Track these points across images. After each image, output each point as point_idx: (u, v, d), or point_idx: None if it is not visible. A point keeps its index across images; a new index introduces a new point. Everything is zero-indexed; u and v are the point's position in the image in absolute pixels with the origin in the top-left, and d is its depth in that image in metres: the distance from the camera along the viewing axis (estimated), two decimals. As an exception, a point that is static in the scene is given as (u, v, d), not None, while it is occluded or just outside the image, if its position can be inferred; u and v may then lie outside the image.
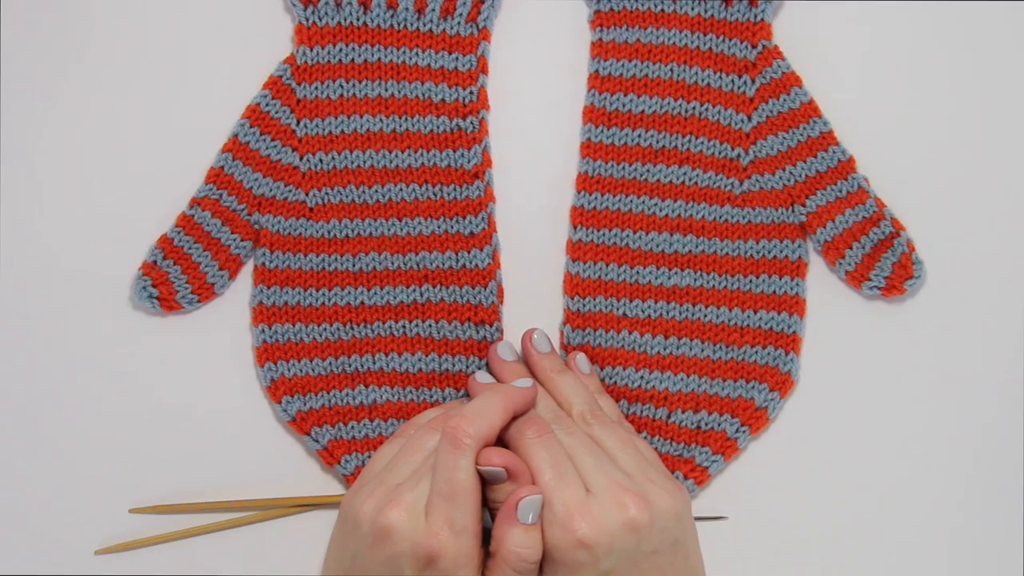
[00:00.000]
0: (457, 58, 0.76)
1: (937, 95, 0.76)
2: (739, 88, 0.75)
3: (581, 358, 0.74)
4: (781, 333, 0.74)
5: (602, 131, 0.75)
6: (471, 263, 0.74)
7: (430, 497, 0.64)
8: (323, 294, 0.74)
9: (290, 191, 0.75)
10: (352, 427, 0.73)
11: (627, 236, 0.75)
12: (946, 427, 0.74)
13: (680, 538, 0.66)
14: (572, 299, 0.75)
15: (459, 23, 0.76)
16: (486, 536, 0.66)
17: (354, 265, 0.74)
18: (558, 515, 0.64)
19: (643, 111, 0.75)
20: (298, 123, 0.75)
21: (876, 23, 0.76)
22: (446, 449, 0.65)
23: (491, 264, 0.74)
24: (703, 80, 0.75)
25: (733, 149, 0.75)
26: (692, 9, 0.75)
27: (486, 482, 0.66)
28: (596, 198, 0.75)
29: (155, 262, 0.74)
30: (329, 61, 0.75)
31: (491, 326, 0.74)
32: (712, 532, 0.71)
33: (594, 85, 0.76)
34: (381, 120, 0.75)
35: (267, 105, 0.75)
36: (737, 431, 0.73)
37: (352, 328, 0.74)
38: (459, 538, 0.63)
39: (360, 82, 0.75)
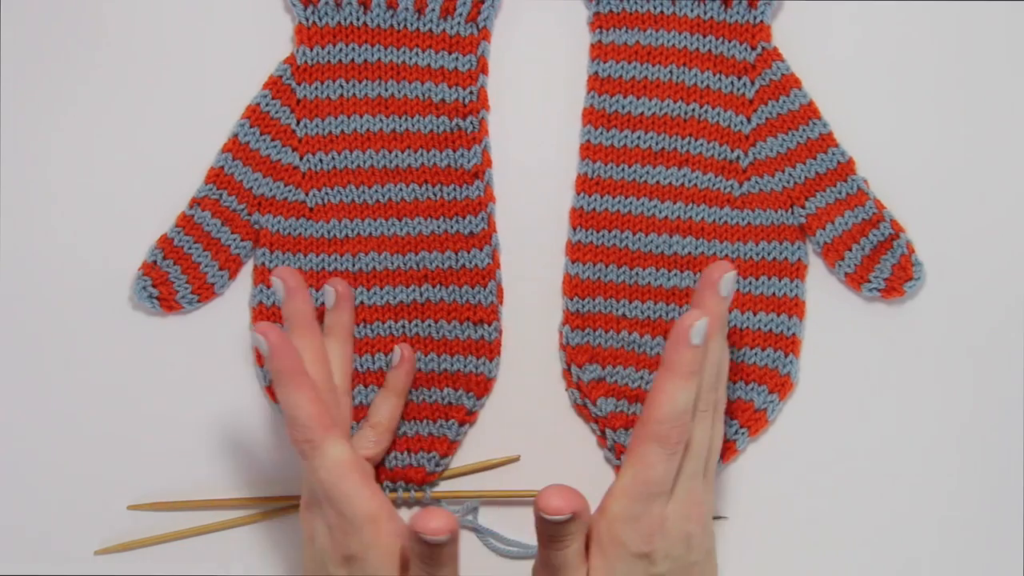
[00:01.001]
0: (457, 58, 0.76)
1: (937, 97, 0.76)
2: (738, 90, 0.75)
3: (729, 276, 0.66)
4: (780, 335, 0.74)
5: (601, 133, 0.75)
6: (471, 263, 0.74)
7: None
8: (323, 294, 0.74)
9: (290, 191, 0.75)
10: (352, 427, 0.73)
11: (626, 237, 0.75)
12: (946, 428, 0.74)
13: (711, 547, 0.67)
14: (571, 300, 0.75)
15: (459, 23, 0.76)
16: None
17: (354, 265, 0.74)
18: (640, 523, 0.63)
19: (642, 113, 0.75)
20: (298, 123, 0.75)
21: (876, 24, 0.76)
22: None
23: (491, 264, 0.75)
24: (702, 82, 0.75)
25: (732, 151, 0.75)
26: (691, 11, 0.75)
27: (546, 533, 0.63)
28: (595, 199, 0.75)
29: (155, 262, 0.74)
30: (329, 61, 0.75)
31: (490, 326, 0.74)
32: (712, 533, 0.71)
33: (593, 87, 0.76)
34: (381, 120, 0.75)
35: (267, 105, 0.75)
36: (736, 433, 0.73)
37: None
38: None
39: (360, 82, 0.75)
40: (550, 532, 0.62)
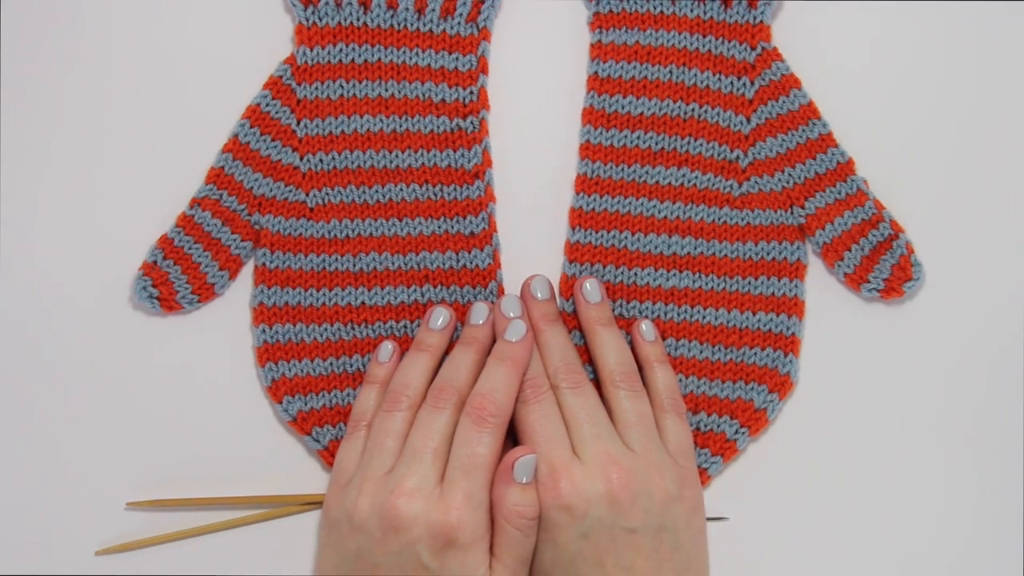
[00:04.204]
0: (457, 58, 0.76)
1: (937, 97, 0.76)
2: (738, 90, 0.75)
3: (645, 325, 0.74)
4: (780, 335, 0.74)
5: (601, 133, 0.75)
6: (471, 263, 0.74)
7: (449, 472, 0.66)
8: (323, 294, 0.74)
9: (290, 191, 0.75)
10: None
11: (626, 238, 0.75)
12: (945, 428, 0.74)
13: (666, 526, 0.67)
14: (569, 301, 0.75)
15: (459, 23, 0.76)
16: None
17: (354, 265, 0.74)
18: (542, 474, 0.67)
19: (642, 113, 0.75)
20: (298, 123, 0.75)
21: (876, 24, 0.77)
22: (468, 426, 0.67)
23: (491, 264, 0.75)
24: (702, 82, 0.75)
25: (732, 151, 0.75)
26: (691, 11, 0.75)
27: None
28: (595, 199, 0.75)
29: (155, 262, 0.73)
30: (329, 61, 0.75)
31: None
32: (712, 532, 0.71)
33: (593, 87, 0.76)
34: (381, 120, 0.75)
35: (267, 105, 0.75)
36: (736, 432, 0.74)
37: (353, 328, 0.74)
38: (476, 512, 0.65)
39: (360, 82, 0.75)
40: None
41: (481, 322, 0.72)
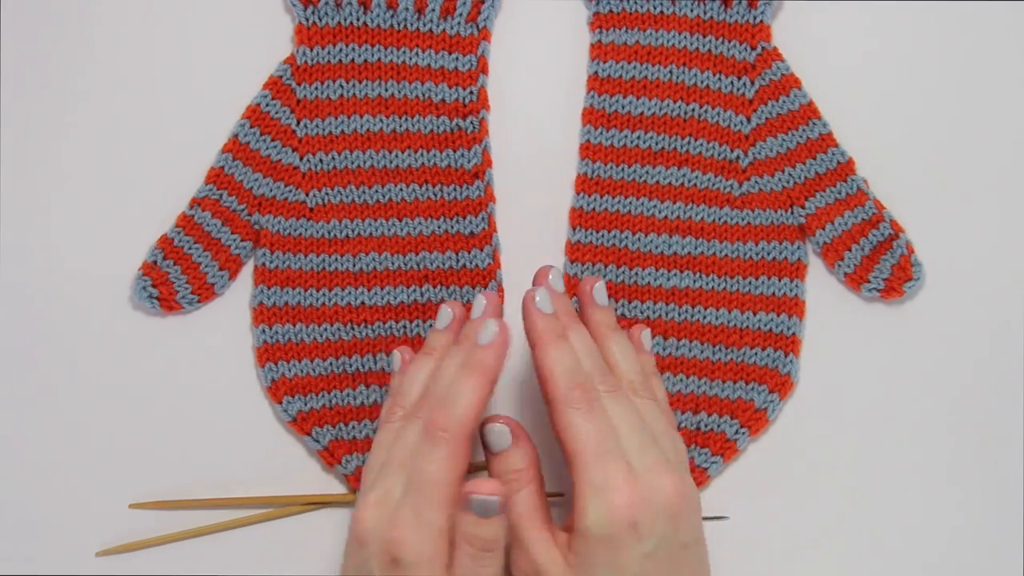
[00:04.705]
0: (457, 58, 0.76)
1: (937, 97, 0.76)
2: (738, 90, 0.75)
3: (646, 334, 0.71)
4: (780, 335, 0.74)
5: (601, 133, 0.75)
6: (471, 263, 0.74)
7: (404, 487, 0.62)
8: (323, 294, 0.74)
9: (290, 191, 0.75)
10: (353, 427, 0.73)
11: (626, 238, 0.75)
12: (945, 428, 0.74)
13: (701, 537, 0.65)
14: (570, 300, 0.75)
15: (459, 23, 0.76)
16: None
17: (354, 265, 0.74)
18: (601, 490, 0.61)
19: (642, 113, 0.75)
20: (298, 123, 0.75)
21: (876, 24, 0.77)
22: (421, 440, 0.62)
23: (491, 264, 0.75)
24: (702, 82, 0.75)
25: (732, 151, 0.75)
26: (691, 11, 0.75)
27: (487, 452, 0.66)
28: (595, 199, 0.75)
29: (155, 262, 0.73)
30: (329, 61, 0.75)
31: (491, 326, 0.74)
32: (712, 532, 0.71)
33: (593, 87, 0.76)
34: (381, 120, 0.75)
35: (267, 105, 0.75)
36: (737, 432, 0.73)
37: (352, 328, 0.74)
38: (423, 530, 0.61)
39: (360, 82, 0.75)
40: (495, 468, 0.65)
41: (448, 326, 0.69)
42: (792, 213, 0.75)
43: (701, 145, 0.75)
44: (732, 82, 0.75)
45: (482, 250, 0.74)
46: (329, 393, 0.74)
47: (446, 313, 0.69)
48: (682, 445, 0.68)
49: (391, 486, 0.62)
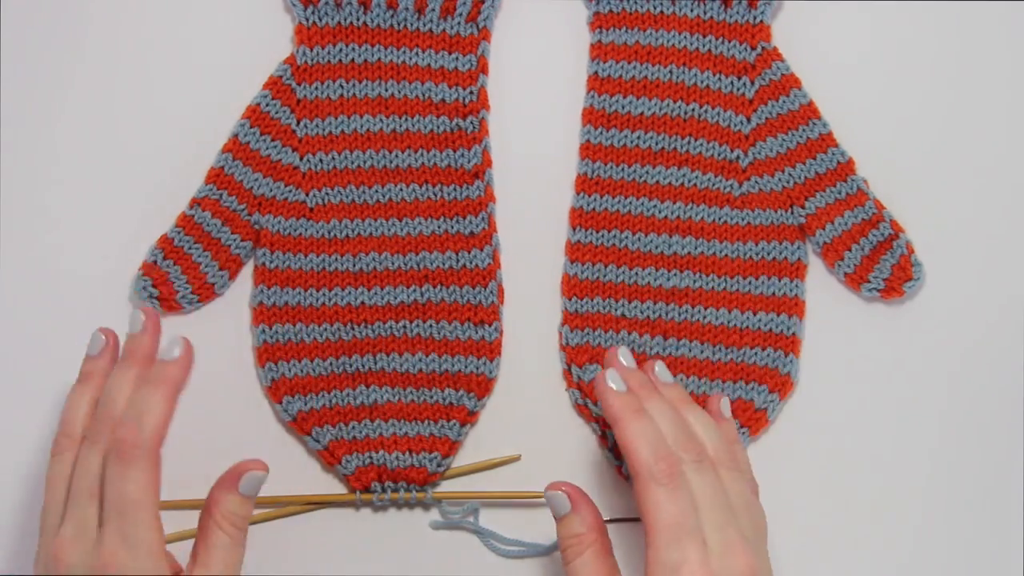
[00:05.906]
0: (457, 58, 0.76)
1: (937, 96, 0.76)
2: (738, 90, 0.75)
3: (725, 403, 0.72)
4: (780, 335, 0.74)
5: (601, 133, 0.75)
6: (471, 263, 0.74)
7: (104, 515, 0.60)
8: (323, 294, 0.74)
9: (290, 191, 0.75)
10: (353, 427, 0.73)
11: (626, 237, 0.75)
12: (945, 428, 0.74)
13: None
14: (570, 300, 0.75)
15: (459, 23, 0.76)
16: None
17: (354, 265, 0.74)
18: (674, 571, 0.60)
19: (642, 113, 0.75)
20: (298, 123, 0.75)
21: (875, 24, 0.77)
22: (113, 463, 0.61)
23: (491, 264, 0.75)
24: (702, 82, 0.75)
25: (732, 151, 0.75)
26: (691, 11, 0.75)
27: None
28: (595, 199, 0.75)
29: (155, 262, 0.73)
30: (329, 61, 0.75)
31: (491, 326, 0.74)
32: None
33: (593, 87, 0.76)
34: (381, 120, 0.75)
35: (267, 105, 0.75)
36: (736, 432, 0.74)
37: (352, 328, 0.74)
38: (137, 552, 0.60)
39: (360, 82, 0.75)
40: (559, 533, 0.65)
41: (101, 352, 0.68)
42: (792, 213, 0.75)
43: (701, 145, 0.75)
44: (732, 82, 0.75)
45: (482, 250, 0.74)
46: (329, 393, 0.74)
47: (99, 339, 0.68)
48: (761, 519, 0.66)
49: (84, 517, 0.61)
